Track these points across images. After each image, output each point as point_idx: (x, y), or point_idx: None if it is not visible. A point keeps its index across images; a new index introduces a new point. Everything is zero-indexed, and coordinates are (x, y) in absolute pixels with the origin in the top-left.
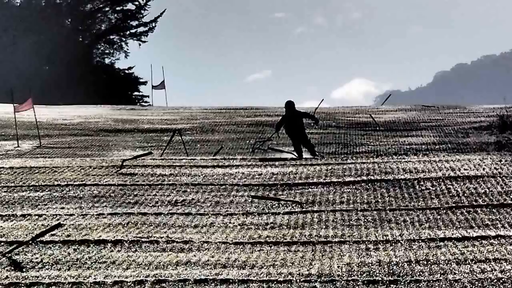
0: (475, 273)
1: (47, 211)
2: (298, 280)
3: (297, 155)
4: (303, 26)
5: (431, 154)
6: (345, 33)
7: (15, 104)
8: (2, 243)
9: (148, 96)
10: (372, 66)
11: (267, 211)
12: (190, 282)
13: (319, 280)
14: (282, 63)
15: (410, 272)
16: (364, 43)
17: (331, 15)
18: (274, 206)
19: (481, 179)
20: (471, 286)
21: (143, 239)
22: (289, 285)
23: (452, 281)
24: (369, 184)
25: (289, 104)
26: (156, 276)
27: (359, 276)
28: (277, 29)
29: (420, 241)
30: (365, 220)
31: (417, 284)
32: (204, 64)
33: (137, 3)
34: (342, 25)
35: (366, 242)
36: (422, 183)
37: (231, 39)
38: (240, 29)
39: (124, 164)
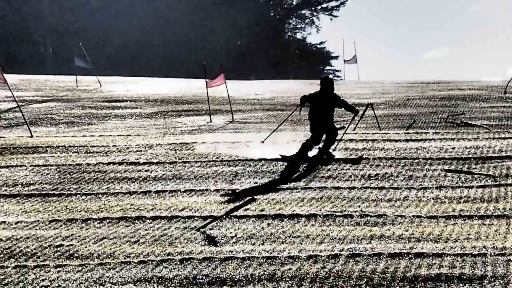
0: None
1: (241, 186)
2: (492, 254)
3: (300, 152)
4: (478, 3)
5: None
6: None
7: (207, 79)
8: (196, 218)
9: (340, 71)
10: None
11: (460, 185)
12: (384, 255)
13: None
14: (459, 40)
15: None
16: None
17: None
18: (467, 180)
19: None
20: None
21: (337, 213)
22: (483, 258)
23: None
24: None
25: (327, 82)
26: (350, 250)
27: None
28: (453, 6)
29: None
30: None
31: None
32: (394, 38)
33: None
34: None
35: None
36: None
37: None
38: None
39: None
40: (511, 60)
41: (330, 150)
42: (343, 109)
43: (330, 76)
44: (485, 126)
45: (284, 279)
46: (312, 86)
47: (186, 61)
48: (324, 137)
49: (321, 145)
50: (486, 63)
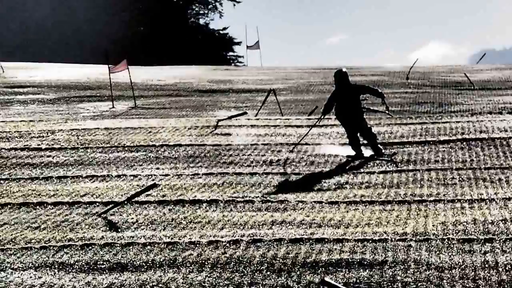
0: None
1: (142, 172)
2: (393, 239)
3: (354, 153)
4: None
5: None
6: None
7: (110, 66)
8: (97, 204)
9: (242, 57)
10: (450, 28)
11: (362, 171)
12: (285, 241)
13: (414, 239)
14: (358, 27)
15: (506, 231)
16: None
17: None
18: (369, 166)
19: None
20: None
21: (238, 199)
22: (384, 244)
23: None
24: (464, 143)
25: (341, 75)
26: (251, 235)
27: (454, 234)
28: None
29: None
30: (460, 179)
31: None
32: (296, 24)
33: None
34: None
35: (461, 201)
36: None
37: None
38: None
39: (219, 124)
40: (411, 46)
41: (379, 146)
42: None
43: (344, 69)
44: (387, 112)
45: (185, 265)
46: (215, 72)
47: (88, 47)
48: (359, 133)
49: (365, 150)
50: (386, 49)
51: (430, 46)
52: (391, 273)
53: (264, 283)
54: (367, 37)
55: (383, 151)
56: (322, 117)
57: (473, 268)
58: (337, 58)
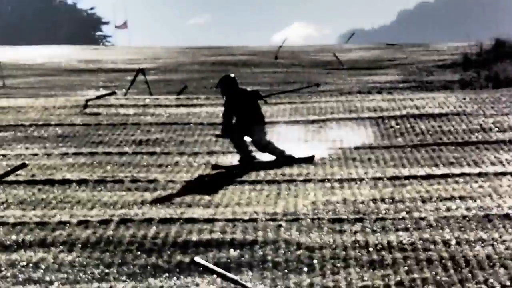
0: (440, 210)
1: (11, 151)
2: (263, 219)
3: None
4: None
5: (395, 92)
6: None
7: None
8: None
9: (110, 36)
10: (313, 9)
11: (231, 150)
12: (155, 221)
13: (284, 218)
14: (221, 8)
15: (376, 211)
16: None
17: None
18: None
19: (446, 117)
20: (436, 224)
21: (107, 179)
22: (254, 223)
23: (418, 219)
24: (333, 123)
25: (228, 81)
26: (121, 215)
27: (325, 214)
28: None
29: (385, 179)
30: (330, 158)
31: (383, 222)
32: (163, 4)
33: None
34: None
35: (331, 181)
36: (386, 121)
37: None
38: None
39: (88, 104)
40: (275, 27)
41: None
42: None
43: (231, 74)
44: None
45: (55, 244)
46: (83, 51)
47: None
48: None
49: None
50: (250, 30)
51: (294, 27)
52: (261, 253)
53: (134, 263)
54: (230, 19)
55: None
56: (227, 137)
57: (343, 248)
58: (203, 37)
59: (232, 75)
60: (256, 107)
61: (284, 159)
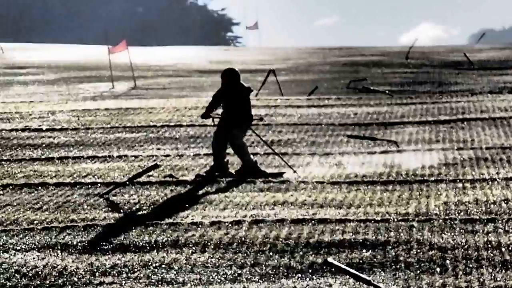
0: None
1: (143, 152)
2: (395, 219)
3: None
4: None
5: None
6: None
7: (109, 46)
8: (99, 184)
9: (241, 37)
10: (442, 8)
11: (363, 151)
12: (287, 222)
13: (416, 219)
14: (348, 9)
15: (508, 211)
16: None
17: None
18: (370, 146)
19: None
20: None
21: (239, 179)
22: (386, 224)
23: None
24: (465, 123)
25: (230, 74)
26: (253, 216)
27: (456, 214)
28: None
29: None
30: (462, 158)
31: None
32: (293, 5)
33: None
34: None
35: (463, 181)
36: None
37: None
38: None
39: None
40: (402, 28)
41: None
42: None
43: (236, 68)
44: (387, 91)
45: (187, 245)
46: (214, 52)
47: (87, 28)
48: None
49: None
50: (378, 31)
51: (422, 28)
52: (394, 254)
53: (267, 263)
54: (359, 19)
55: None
56: (209, 119)
57: (475, 248)
58: (332, 38)
59: (237, 69)
60: (248, 104)
61: (249, 169)
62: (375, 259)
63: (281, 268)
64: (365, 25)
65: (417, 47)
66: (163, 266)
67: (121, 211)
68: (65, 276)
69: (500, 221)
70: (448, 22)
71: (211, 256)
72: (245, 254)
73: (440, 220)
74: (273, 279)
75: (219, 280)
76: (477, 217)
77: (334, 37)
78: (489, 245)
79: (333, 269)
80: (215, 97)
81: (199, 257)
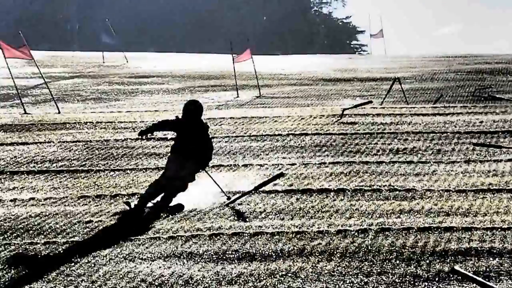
0: None
1: (269, 161)
2: None
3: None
4: None
5: None
6: None
7: (234, 55)
8: (225, 193)
9: (366, 45)
10: None
11: (489, 159)
12: (414, 230)
13: None
14: (471, 17)
15: None
16: None
17: None
18: (496, 154)
19: None
20: None
21: (365, 188)
22: None
23: None
24: None
25: (190, 108)
26: (379, 224)
27: None
28: None
29: None
30: None
31: None
32: (420, 11)
33: None
34: None
35: None
36: None
37: None
38: None
39: (344, 113)
40: None
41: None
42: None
43: (192, 99)
44: None
45: (314, 254)
46: (339, 61)
47: (212, 37)
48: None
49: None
50: (500, 40)
51: None
52: None
53: (393, 272)
54: (481, 28)
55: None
56: (144, 137)
57: None
58: (455, 46)
59: (199, 103)
60: (208, 142)
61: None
62: (502, 267)
63: (407, 276)
64: (487, 33)
65: None
66: (290, 274)
67: (247, 219)
68: (191, 285)
69: None
70: None
71: (338, 264)
72: (371, 263)
73: None
74: (400, 287)
75: None
76: None
77: (458, 45)
78: None
79: (460, 277)
80: (166, 123)
81: (326, 266)
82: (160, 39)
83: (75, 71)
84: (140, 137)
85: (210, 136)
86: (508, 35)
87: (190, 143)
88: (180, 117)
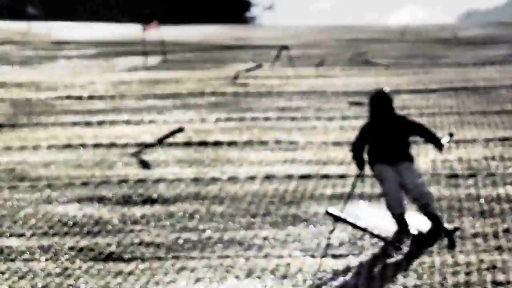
0: None
1: (171, 117)
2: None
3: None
4: None
5: (506, 65)
6: None
7: (143, 25)
8: (132, 145)
9: (259, 17)
10: None
11: (363, 115)
12: (295, 177)
13: None
14: None
15: (487, 167)
16: None
17: None
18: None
19: None
20: None
21: (254, 140)
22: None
23: None
24: (452, 92)
25: (380, 100)
26: (266, 172)
27: (442, 170)
28: None
29: (495, 140)
30: (448, 122)
31: (493, 178)
32: None
33: None
34: None
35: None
36: (497, 90)
37: None
38: None
39: (238, 75)
40: (389, 9)
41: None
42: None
43: (387, 89)
44: (385, 64)
45: (208, 198)
46: (234, 30)
47: (124, 9)
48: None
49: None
50: (368, 12)
51: (407, 10)
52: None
53: (276, 213)
54: (351, 2)
55: (448, 229)
56: (360, 172)
57: (458, 199)
58: (329, 18)
59: (383, 89)
60: (406, 144)
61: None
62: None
63: (289, 217)
64: (356, 7)
65: (411, 26)
66: (186, 215)
67: (151, 168)
68: (100, 224)
69: (480, 176)
70: (432, 4)
71: (228, 207)
72: (258, 205)
73: (428, 175)
74: (282, 226)
75: (234, 228)
76: (460, 173)
77: (331, 18)
78: (470, 197)
79: (333, 218)
80: (360, 140)
81: (218, 208)
82: (79, 9)
83: (2, 38)
84: (358, 173)
85: None
86: (376, 7)
87: (386, 151)
88: None
